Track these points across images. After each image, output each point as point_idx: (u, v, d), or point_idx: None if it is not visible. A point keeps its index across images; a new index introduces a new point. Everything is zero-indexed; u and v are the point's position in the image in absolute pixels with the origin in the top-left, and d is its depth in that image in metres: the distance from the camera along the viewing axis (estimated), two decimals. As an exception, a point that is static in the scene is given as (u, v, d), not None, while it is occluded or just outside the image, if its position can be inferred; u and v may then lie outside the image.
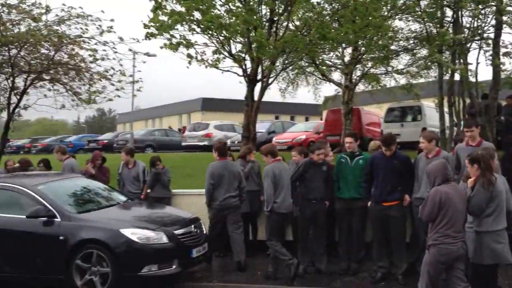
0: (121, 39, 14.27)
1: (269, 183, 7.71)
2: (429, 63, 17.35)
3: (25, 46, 14.21)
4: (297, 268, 7.57)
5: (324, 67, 18.70)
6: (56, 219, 7.41)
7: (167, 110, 55.81)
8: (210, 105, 50.57)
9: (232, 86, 34.63)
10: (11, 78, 14.62)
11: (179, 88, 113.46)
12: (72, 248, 7.21)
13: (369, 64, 18.89)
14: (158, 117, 57.62)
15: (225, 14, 12.76)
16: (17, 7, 13.60)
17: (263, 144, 20.32)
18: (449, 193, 5.64)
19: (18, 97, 14.84)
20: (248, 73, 13.53)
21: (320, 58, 17.70)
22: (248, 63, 13.59)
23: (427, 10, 14.95)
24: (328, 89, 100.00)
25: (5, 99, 14.98)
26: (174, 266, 7.37)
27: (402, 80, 20.79)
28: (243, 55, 13.31)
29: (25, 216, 7.45)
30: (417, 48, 17.64)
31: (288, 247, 8.90)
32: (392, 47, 16.84)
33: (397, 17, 16.41)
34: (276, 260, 7.89)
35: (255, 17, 12.45)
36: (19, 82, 14.88)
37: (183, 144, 25.84)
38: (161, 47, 12.53)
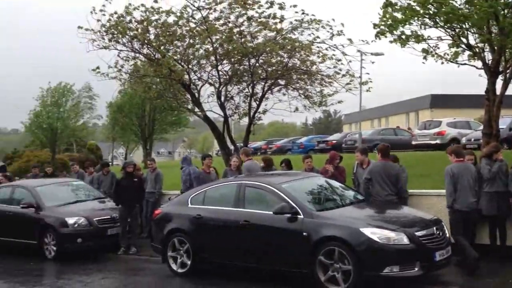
0: (350, 41, 14.43)
1: (448, 181, 8.16)
2: None
3: (262, 56, 15.31)
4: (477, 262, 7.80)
5: None
6: (299, 216, 7.78)
7: (393, 108, 54.77)
8: (439, 101, 48.02)
9: (462, 81, 32.32)
10: (251, 85, 15.92)
11: (404, 85, 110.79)
12: (315, 244, 7.49)
13: None
14: (384, 116, 56.87)
15: (463, 5, 12.00)
16: (256, 20, 14.67)
17: (504, 141, 18.65)
18: None
19: (257, 102, 16.09)
20: (489, 64, 12.47)
21: None
22: (489, 55, 12.55)
23: None
24: None
25: (246, 105, 16.37)
26: (416, 269, 7.15)
27: None
28: (482, 45, 12.33)
29: (272, 212, 8.00)
30: None
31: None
32: None
33: None
34: None
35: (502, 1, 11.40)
36: (258, 88, 16.14)
37: (413, 143, 25.07)
38: (391, 42, 12.39)
